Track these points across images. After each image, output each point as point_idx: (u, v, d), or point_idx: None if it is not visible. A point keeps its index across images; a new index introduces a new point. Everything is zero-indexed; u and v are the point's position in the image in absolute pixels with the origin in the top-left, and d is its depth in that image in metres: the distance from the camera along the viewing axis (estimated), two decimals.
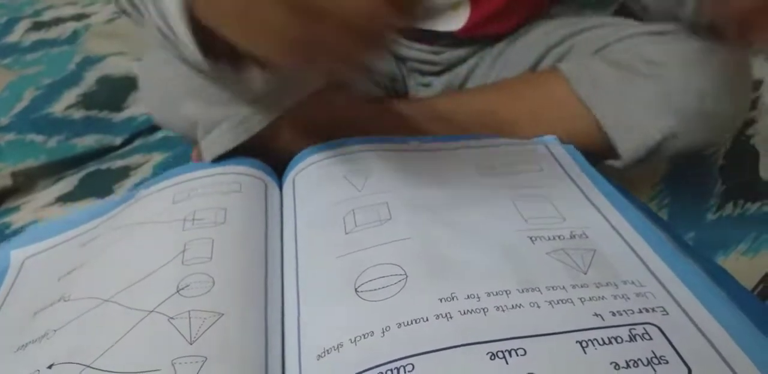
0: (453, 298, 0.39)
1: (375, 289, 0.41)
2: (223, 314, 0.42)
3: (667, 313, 0.38)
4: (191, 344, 0.39)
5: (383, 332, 0.37)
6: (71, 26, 1.08)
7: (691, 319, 0.37)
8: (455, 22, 0.66)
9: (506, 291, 0.39)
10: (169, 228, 0.49)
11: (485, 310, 0.38)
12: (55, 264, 0.51)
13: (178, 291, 0.43)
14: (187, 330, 0.41)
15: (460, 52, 0.72)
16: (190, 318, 0.41)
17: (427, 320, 0.38)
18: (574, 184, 0.52)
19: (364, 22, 0.33)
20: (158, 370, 0.37)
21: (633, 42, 0.58)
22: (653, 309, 0.38)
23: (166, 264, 0.46)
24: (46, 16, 1.12)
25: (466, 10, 0.64)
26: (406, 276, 0.41)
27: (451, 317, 0.38)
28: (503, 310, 0.38)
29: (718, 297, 0.39)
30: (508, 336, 0.36)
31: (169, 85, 0.58)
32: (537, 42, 0.66)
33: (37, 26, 1.11)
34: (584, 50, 0.61)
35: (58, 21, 1.10)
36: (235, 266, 0.46)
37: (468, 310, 0.38)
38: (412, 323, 0.38)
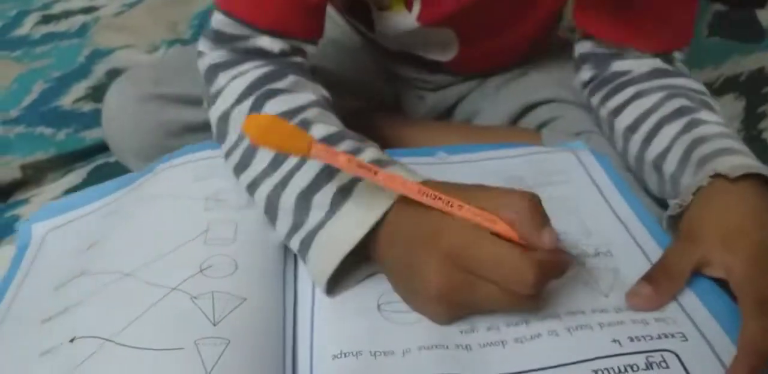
0: (473, 330, 0.39)
1: (399, 311, 0.41)
2: (245, 298, 0.41)
3: (686, 339, 0.38)
4: (215, 325, 0.39)
5: (404, 353, 0.38)
6: (80, 19, 1.08)
7: (710, 345, 0.38)
8: (445, 56, 0.68)
9: (526, 322, 0.39)
10: (191, 206, 0.48)
11: (504, 343, 0.38)
12: (76, 237, 0.50)
13: (201, 271, 0.42)
14: (211, 311, 0.40)
15: (451, 79, 0.74)
16: (213, 299, 0.40)
17: (447, 348, 0.38)
18: (601, 195, 0.51)
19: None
20: (181, 349, 0.36)
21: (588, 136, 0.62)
22: (672, 335, 0.38)
23: (189, 242, 0.45)
24: (56, 9, 1.12)
25: (455, 47, 0.66)
26: None
27: (470, 349, 0.38)
28: (522, 342, 0.38)
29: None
30: (525, 369, 0.36)
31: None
32: (526, 93, 0.69)
33: (47, 19, 1.11)
34: (564, 129, 0.65)
35: (67, 14, 1.10)
36: (257, 251, 0.45)
37: (487, 343, 0.38)
38: (432, 348, 0.38)
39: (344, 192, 0.42)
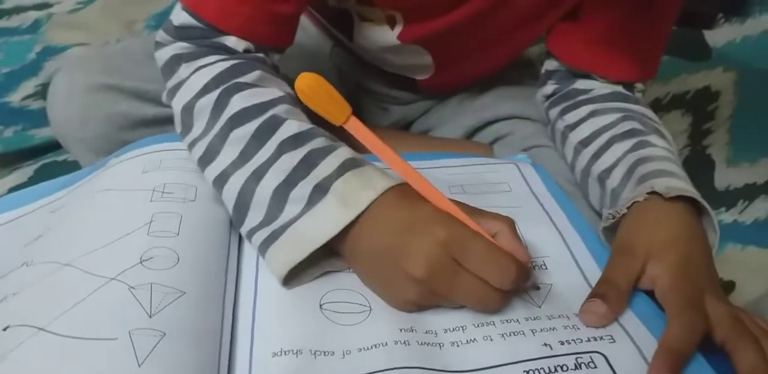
0: (412, 330, 0.40)
1: (340, 312, 0.42)
2: (185, 292, 0.40)
3: (614, 341, 0.39)
4: (150, 317, 0.38)
5: (344, 354, 0.38)
6: (33, 15, 1.06)
7: (636, 346, 0.39)
8: (419, 75, 0.70)
9: (462, 327, 0.41)
10: (136, 197, 0.47)
11: (441, 345, 0.39)
12: (23, 232, 0.48)
13: (141, 262, 0.41)
14: (148, 302, 0.38)
15: (414, 96, 0.76)
16: (151, 290, 0.39)
17: (386, 345, 0.39)
18: (541, 206, 0.53)
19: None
20: (115, 339, 0.35)
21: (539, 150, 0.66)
22: (601, 338, 0.40)
23: (131, 233, 0.44)
24: (8, 4, 1.08)
25: (431, 69, 0.68)
26: (370, 309, 0.42)
27: (409, 344, 0.39)
28: (458, 345, 0.39)
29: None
30: (459, 369, 0.38)
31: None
32: (484, 109, 0.72)
33: None
34: (516, 143, 0.68)
35: (19, 9, 1.07)
36: (200, 245, 0.45)
37: (425, 342, 0.39)
38: (372, 348, 0.39)
39: (321, 189, 0.43)
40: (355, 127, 0.42)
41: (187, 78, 0.50)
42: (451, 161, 0.60)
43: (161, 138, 0.55)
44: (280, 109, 0.47)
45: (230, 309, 0.42)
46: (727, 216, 0.79)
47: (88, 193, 0.51)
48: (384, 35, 0.63)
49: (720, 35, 1.04)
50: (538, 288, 0.43)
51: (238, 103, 0.47)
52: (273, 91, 0.49)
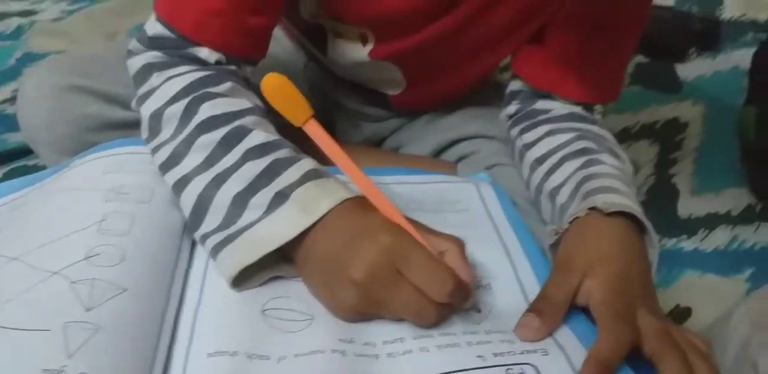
0: (351, 341, 0.41)
1: (282, 319, 0.42)
2: (126, 289, 0.40)
3: (547, 353, 0.40)
4: (87, 311, 0.38)
5: (279, 360, 0.39)
6: (16, 21, 1.07)
7: (568, 359, 0.40)
8: (391, 90, 0.72)
9: (401, 339, 0.41)
10: (92, 197, 0.48)
11: (377, 356, 0.40)
12: None
13: (86, 258, 0.42)
14: (87, 296, 0.39)
15: (386, 113, 0.77)
16: (92, 286, 0.40)
17: (323, 352, 0.39)
18: (494, 226, 0.54)
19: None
20: (47, 330, 0.35)
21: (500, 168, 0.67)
22: (535, 351, 0.40)
23: (81, 230, 0.44)
24: None
25: (403, 84, 0.70)
26: (313, 318, 0.42)
27: (345, 354, 0.39)
28: (394, 356, 0.40)
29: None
30: None
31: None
32: (451, 129, 0.73)
33: None
34: (479, 162, 0.69)
35: (3, 16, 1.08)
36: (149, 245, 0.45)
37: (362, 354, 0.40)
38: (308, 354, 0.39)
39: (282, 196, 0.43)
40: (314, 131, 0.43)
41: (158, 86, 0.51)
42: (412, 178, 0.61)
43: (127, 141, 0.55)
44: (248, 120, 0.48)
45: (174, 308, 0.43)
46: (688, 244, 0.80)
47: (47, 192, 0.51)
48: (356, 52, 0.65)
49: (691, 69, 1.06)
50: (479, 311, 0.44)
51: (207, 111, 0.48)
52: (242, 101, 0.50)
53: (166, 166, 0.48)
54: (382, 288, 0.40)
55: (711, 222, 0.83)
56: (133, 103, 0.53)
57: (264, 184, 0.44)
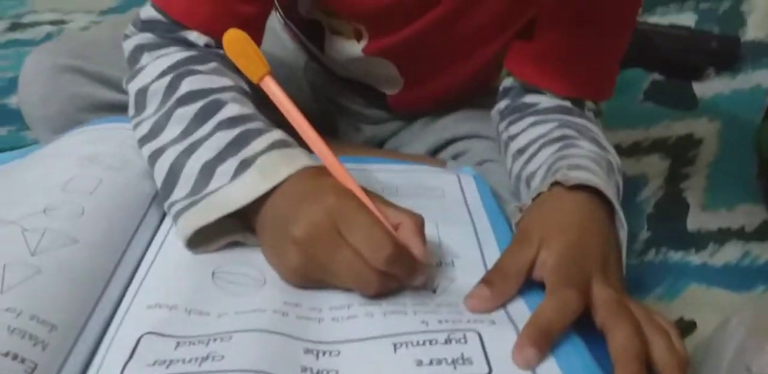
0: (297, 305, 0.40)
1: (231, 283, 0.41)
2: (78, 241, 0.41)
3: (495, 323, 0.38)
4: (32, 255, 0.38)
5: (219, 316, 0.38)
6: (46, 29, 1.12)
7: (516, 328, 0.38)
8: (389, 89, 0.72)
9: (348, 305, 0.40)
10: (66, 162, 0.49)
11: (321, 320, 0.39)
12: None
13: (44, 211, 0.42)
14: (35, 243, 0.39)
15: (385, 115, 0.77)
16: (43, 234, 0.40)
17: (264, 311, 0.39)
18: (468, 211, 0.53)
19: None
20: None
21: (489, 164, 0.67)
22: (482, 321, 0.39)
23: (47, 188, 0.45)
24: (26, 20, 1.16)
25: (400, 83, 0.70)
26: (264, 283, 0.42)
27: (287, 315, 0.39)
28: (338, 321, 0.39)
29: None
30: (330, 340, 0.37)
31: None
32: (447, 129, 0.74)
33: (14, 27, 1.14)
34: (471, 159, 0.70)
35: (35, 24, 1.14)
36: (111, 204, 0.46)
37: (305, 317, 0.39)
38: (249, 312, 0.39)
39: (246, 164, 0.44)
40: (270, 88, 0.43)
41: (147, 65, 0.52)
42: (394, 166, 0.61)
43: (115, 119, 0.57)
44: (226, 95, 0.49)
45: (131, 265, 0.43)
46: (696, 258, 0.77)
47: (29, 159, 0.53)
48: (351, 48, 0.66)
49: (709, 87, 1.04)
50: (434, 291, 0.42)
51: (187, 85, 0.49)
52: (224, 80, 0.51)
53: (144, 139, 0.49)
54: (323, 249, 0.39)
55: (722, 237, 0.79)
56: (124, 82, 0.54)
57: (232, 153, 0.45)
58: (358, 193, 0.41)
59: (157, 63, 0.52)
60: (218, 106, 0.47)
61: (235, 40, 0.44)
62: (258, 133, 0.46)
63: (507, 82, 0.66)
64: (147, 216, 0.47)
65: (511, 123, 0.62)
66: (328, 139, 0.80)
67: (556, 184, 0.47)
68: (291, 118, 0.44)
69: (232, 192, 0.43)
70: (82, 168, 0.48)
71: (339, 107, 0.79)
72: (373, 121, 0.78)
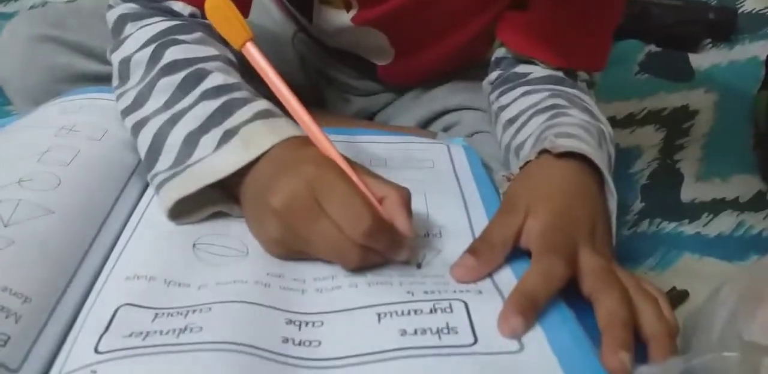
0: (280, 276, 0.39)
1: (213, 254, 0.40)
2: (54, 212, 0.40)
3: (482, 293, 0.37)
4: (5, 226, 0.37)
5: (199, 288, 0.37)
6: (30, 2, 1.10)
7: (502, 297, 0.37)
8: (380, 59, 0.70)
9: (333, 276, 0.39)
10: (43, 132, 0.48)
11: (304, 291, 0.38)
12: None
13: (19, 182, 0.41)
14: (9, 215, 0.38)
15: (375, 87, 0.76)
16: (17, 205, 0.39)
17: (246, 282, 0.38)
18: (457, 182, 0.52)
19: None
20: None
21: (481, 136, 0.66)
22: (468, 291, 0.38)
23: (22, 159, 0.44)
24: None
25: (391, 53, 0.69)
26: (246, 254, 0.41)
27: (269, 286, 0.38)
28: (322, 291, 0.38)
29: None
30: (313, 311, 0.36)
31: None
32: (437, 101, 0.72)
33: None
34: (462, 131, 0.68)
35: None
36: (89, 178, 0.44)
37: (288, 287, 0.38)
38: (230, 283, 0.38)
39: (229, 134, 0.42)
40: (252, 55, 0.42)
41: (131, 35, 0.51)
42: (384, 138, 0.59)
43: (94, 89, 0.56)
44: (210, 65, 0.48)
45: (111, 236, 0.42)
46: (690, 228, 0.76)
47: (6, 131, 0.51)
48: (340, 18, 0.64)
49: (705, 59, 1.03)
50: (419, 267, 0.41)
51: (171, 54, 0.48)
52: (209, 50, 0.50)
53: (128, 110, 0.48)
54: (301, 220, 0.38)
55: (716, 207, 0.78)
56: (108, 53, 0.53)
57: (216, 123, 0.43)
58: (340, 163, 0.40)
59: (140, 33, 0.50)
60: (202, 75, 0.46)
61: (217, 5, 0.42)
62: (243, 102, 0.44)
63: (499, 52, 0.64)
64: (127, 187, 0.46)
65: (502, 93, 0.61)
66: (315, 111, 0.80)
67: (544, 152, 0.46)
68: (273, 85, 0.42)
69: (216, 163, 0.42)
70: (59, 138, 0.47)
71: (328, 79, 0.77)
72: (362, 92, 0.77)
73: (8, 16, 1.07)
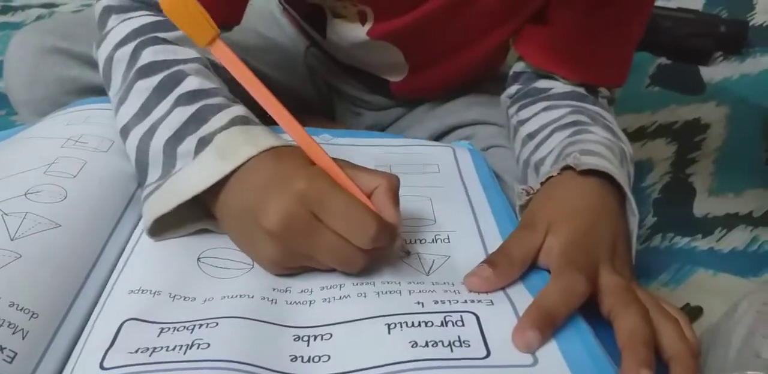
0: (287, 291, 0.38)
1: (217, 267, 0.40)
2: (60, 225, 0.39)
3: (493, 304, 0.37)
4: (12, 240, 0.37)
5: (205, 301, 0.37)
6: (36, 12, 1.10)
7: (515, 310, 0.36)
8: (393, 76, 0.69)
9: (340, 285, 0.38)
10: (49, 143, 0.47)
11: (311, 302, 0.37)
12: None
13: (25, 194, 0.41)
14: (15, 227, 0.38)
15: (386, 101, 0.75)
16: (23, 218, 0.39)
17: (252, 298, 0.37)
18: (464, 186, 0.51)
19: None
20: None
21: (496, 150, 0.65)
22: (479, 301, 0.37)
23: (29, 171, 0.44)
24: (17, 2, 1.14)
25: (405, 69, 0.68)
26: (252, 266, 0.40)
27: (275, 302, 0.37)
28: (329, 301, 0.37)
29: None
30: (321, 323, 0.35)
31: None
32: (451, 115, 0.71)
33: (4, 10, 1.13)
34: (476, 145, 0.65)
35: (26, 7, 1.11)
36: (96, 190, 0.44)
37: (295, 301, 0.37)
38: (236, 297, 0.37)
39: (204, 142, 0.41)
40: (222, 52, 0.38)
41: (112, 29, 0.50)
42: (389, 141, 0.59)
43: (98, 100, 0.56)
44: (188, 67, 0.46)
45: (116, 249, 0.42)
46: (703, 244, 0.75)
47: (12, 141, 0.51)
48: (355, 32, 0.63)
49: (716, 72, 1.02)
50: (408, 254, 0.41)
51: (148, 55, 0.46)
52: (189, 51, 0.48)
53: (115, 113, 0.47)
54: (301, 238, 0.36)
55: (729, 222, 0.77)
56: (93, 48, 0.52)
57: (191, 131, 0.41)
58: (327, 166, 0.38)
59: (121, 27, 0.49)
60: (179, 79, 0.44)
61: (175, 3, 0.38)
62: (218, 108, 0.42)
63: (518, 66, 0.64)
64: (133, 199, 0.46)
65: (521, 107, 0.60)
66: (326, 124, 0.79)
67: (566, 168, 0.45)
68: (248, 84, 0.39)
69: (191, 175, 0.40)
70: (65, 149, 0.47)
71: (339, 93, 0.77)
72: (374, 107, 0.76)
73: (15, 26, 1.07)
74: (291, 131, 0.39)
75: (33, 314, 0.33)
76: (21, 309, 0.33)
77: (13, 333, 0.32)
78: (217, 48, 0.38)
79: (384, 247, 0.38)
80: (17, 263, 0.35)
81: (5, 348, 0.31)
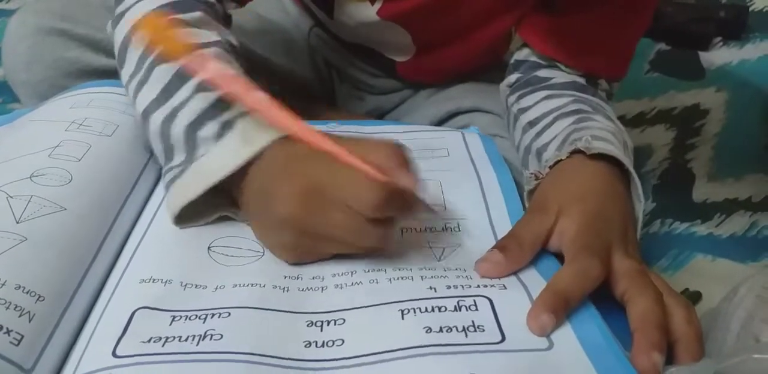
0: (298, 278, 0.38)
1: (228, 256, 0.40)
2: (65, 208, 0.39)
3: (506, 288, 0.37)
4: (17, 223, 0.36)
5: (216, 289, 0.37)
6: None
7: (528, 294, 0.36)
8: (399, 56, 0.69)
9: (352, 272, 0.38)
10: (53, 126, 0.47)
11: (324, 288, 0.37)
12: None
13: (30, 177, 0.40)
14: (21, 210, 0.37)
15: (395, 84, 0.74)
16: (29, 201, 0.38)
17: (264, 286, 0.37)
18: (475, 171, 0.51)
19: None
20: None
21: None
22: (492, 286, 0.37)
23: (33, 154, 0.43)
24: None
25: (411, 50, 0.67)
26: (263, 253, 0.40)
27: (287, 290, 0.37)
28: (342, 288, 0.37)
29: None
30: (334, 309, 0.35)
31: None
32: (450, 101, 0.70)
33: None
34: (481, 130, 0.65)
35: None
36: (100, 172, 0.44)
37: (307, 288, 0.37)
38: (247, 286, 0.37)
39: (228, 126, 0.41)
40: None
41: (130, 7, 0.49)
42: (397, 127, 0.59)
43: (102, 83, 0.55)
44: (210, 51, 0.46)
45: (120, 235, 0.41)
46: (702, 229, 0.75)
47: (16, 124, 0.51)
48: (364, 11, 0.62)
49: (716, 57, 1.02)
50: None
51: None
52: (209, 34, 0.48)
53: (134, 97, 0.46)
54: (313, 217, 0.36)
55: (729, 207, 0.78)
56: (109, 25, 0.51)
57: (211, 117, 0.41)
58: (328, 147, 0.37)
59: (139, 6, 0.48)
60: (200, 64, 0.43)
61: (154, 28, 0.41)
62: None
63: (519, 55, 0.63)
64: (137, 184, 0.46)
65: (522, 96, 0.60)
66: (327, 109, 0.78)
67: (576, 152, 0.45)
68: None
69: (214, 159, 0.40)
70: (70, 132, 0.46)
71: (342, 76, 0.76)
72: (377, 90, 0.76)
73: (11, 13, 1.06)
74: (281, 121, 0.39)
75: (39, 297, 0.33)
76: (27, 292, 0.33)
77: (20, 316, 0.32)
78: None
79: (399, 215, 0.37)
80: (23, 246, 0.35)
81: (12, 330, 0.31)
